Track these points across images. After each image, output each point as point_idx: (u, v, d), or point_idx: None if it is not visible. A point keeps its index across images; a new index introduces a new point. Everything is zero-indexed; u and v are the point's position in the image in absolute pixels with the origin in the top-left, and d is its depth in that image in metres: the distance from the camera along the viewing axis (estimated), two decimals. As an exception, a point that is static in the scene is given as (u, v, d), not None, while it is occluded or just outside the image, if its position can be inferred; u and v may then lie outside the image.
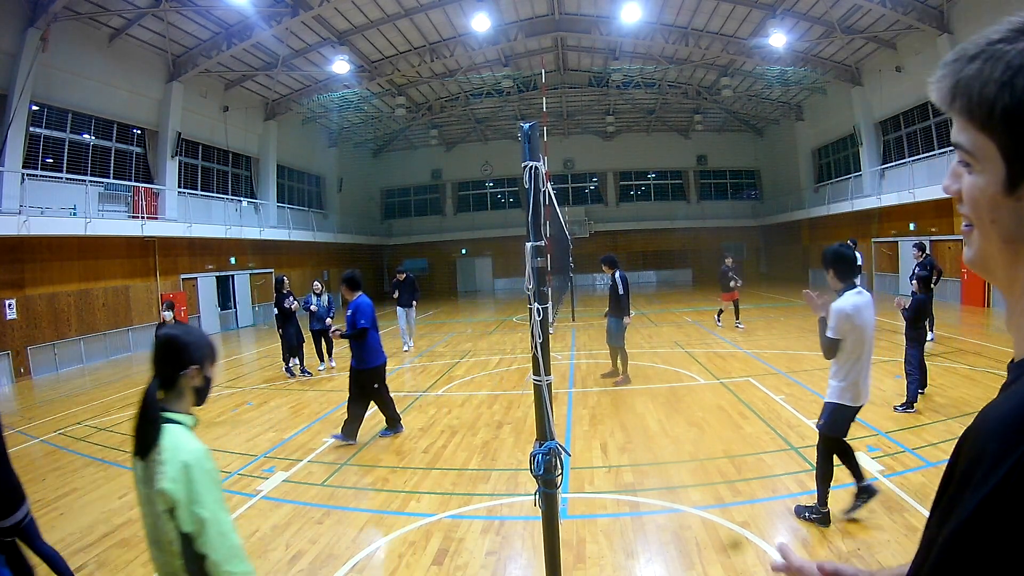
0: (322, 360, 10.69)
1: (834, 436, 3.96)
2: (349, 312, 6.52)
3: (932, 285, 10.43)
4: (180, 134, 16.95)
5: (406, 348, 12.34)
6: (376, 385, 6.30)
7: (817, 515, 4.01)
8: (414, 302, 12.30)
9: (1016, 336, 0.66)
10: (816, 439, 4.04)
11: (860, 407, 3.94)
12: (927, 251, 11.79)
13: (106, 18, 14.28)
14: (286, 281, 10.59)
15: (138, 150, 16.40)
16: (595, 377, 8.93)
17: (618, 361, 8.54)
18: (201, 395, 1.88)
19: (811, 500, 4.06)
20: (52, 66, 13.05)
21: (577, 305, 17.91)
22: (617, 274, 8.31)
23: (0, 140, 11.89)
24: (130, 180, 15.86)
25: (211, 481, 1.72)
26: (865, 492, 4.02)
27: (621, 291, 8.20)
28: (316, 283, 10.38)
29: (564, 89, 24.99)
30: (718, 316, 14.11)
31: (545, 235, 6.49)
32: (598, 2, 18.43)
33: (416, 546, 3.96)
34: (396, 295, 12.23)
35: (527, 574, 3.58)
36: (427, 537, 4.06)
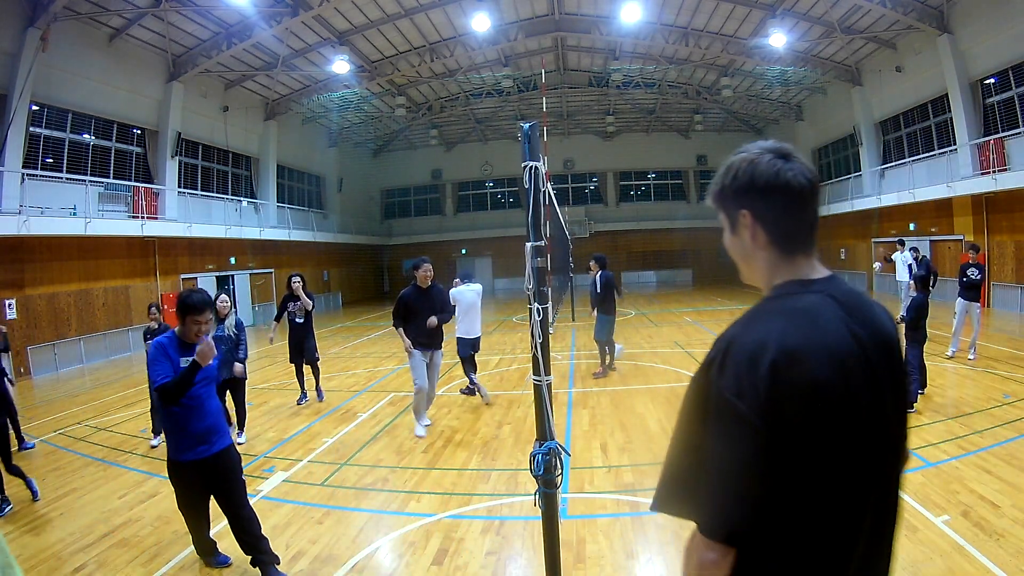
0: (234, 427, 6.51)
1: (463, 356, 7.57)
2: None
3: (931, 287, 10.48)
4: (180, 134, 16.96)
5: (421, 433, 6.45)
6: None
7: (467, 391, 7.88)
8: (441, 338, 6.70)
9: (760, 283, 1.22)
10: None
11: (473, 339, 7.57)
12: (921, 255, 11.83)
13: (106, 18, 14.27)
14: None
15: (138, 150, 16.40)
16: (595, 377, 8.93)
17: (605, 356, 9.10)
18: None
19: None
20: (52, 66, 13.04)
21: (577, 305, 17.91)
22: (600, 274, 8.89)
23: (0, 140, 11.89)
24: (130, 180, 15.85)
25: None
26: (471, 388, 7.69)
27: (599, 290, 8.84)
28: (223, 297, 6.23)
29: (564, 89, 24.99)
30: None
31: (545, 235, 6.49)
32: (598, 2, 18.43)
33: (416, 546, 3.96)
34: (403, 318, 6.38)
35: (527, 574, 3.58)
36: (427, 537, 4.06)
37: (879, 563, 1.08)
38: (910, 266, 11.79)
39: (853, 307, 1.08)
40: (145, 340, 6.74)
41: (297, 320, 8.11)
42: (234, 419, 6.48)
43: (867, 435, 1.01)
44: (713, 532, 1.00)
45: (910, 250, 11.87)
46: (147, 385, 6.80)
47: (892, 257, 12.38)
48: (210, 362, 3.31)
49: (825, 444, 0.97)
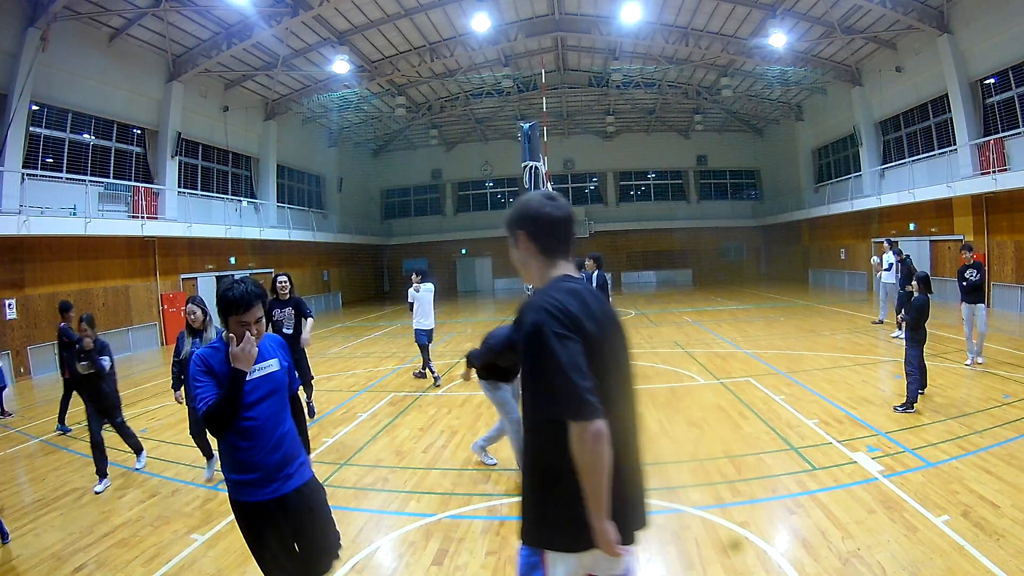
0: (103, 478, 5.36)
1: (420, 344, 9.27)
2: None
3: (911, 287, 10.43)
4: (180, 134, 16.95)
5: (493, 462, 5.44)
6: None
7: (419, 374, 9.41)
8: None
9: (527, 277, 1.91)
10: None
11: (428, 330, 9.16)
12: (904, 255, 11.74)
13: (106, 18, 14.27)
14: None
15: (138, 150, 16.40)
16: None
17: None
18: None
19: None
20: (52, 66, 13.04)
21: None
22: (597, 273, 8.93)
23: (0, 140, 11.89)
24: (130, 180, 15.85)
25: None
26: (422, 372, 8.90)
27: (596, 288, 8.61)
28: (191, 308, 4.97)
29: (564, 89, 24.99)
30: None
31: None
32: (598, 2, 18.44)
33: (416, 546, 3.96)
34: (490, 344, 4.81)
35: (527, 574, 3.58)
36: (427, 537, 4.06)
37: (628, 412, 1.88)
38: (891, 266, 11.77)
39: (596, 294, 1.85)
40: (78, 361, 5.42)
41: (285, 331, 6.65)
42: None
43: (611, 353, 1.79)
44: (592, 411, 1.60)
45: (894, 252, 11.87)
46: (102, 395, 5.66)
47: (881, 258, 12.38)
48: (252, 367, 2.50)
49: (595, 356, 1.69)
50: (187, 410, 5.32)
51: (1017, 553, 3.35)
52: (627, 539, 1.77)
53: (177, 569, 3.77)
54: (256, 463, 2.51)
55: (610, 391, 1.71)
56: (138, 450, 5.83)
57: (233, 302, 2.49)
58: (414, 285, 9.05)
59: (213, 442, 5.18)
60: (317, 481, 2.74)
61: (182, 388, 5.22)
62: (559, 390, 1.62)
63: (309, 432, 6.92)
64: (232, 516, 4.07)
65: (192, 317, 4.93)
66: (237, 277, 2.61)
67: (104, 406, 5.48)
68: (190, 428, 5.41)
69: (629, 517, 1.79)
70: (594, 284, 8.88)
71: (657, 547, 3.77)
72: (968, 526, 3.69)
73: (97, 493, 5.17)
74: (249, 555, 3.57)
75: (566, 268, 1.84)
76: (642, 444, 1.91)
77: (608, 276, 9.31)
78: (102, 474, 5.30)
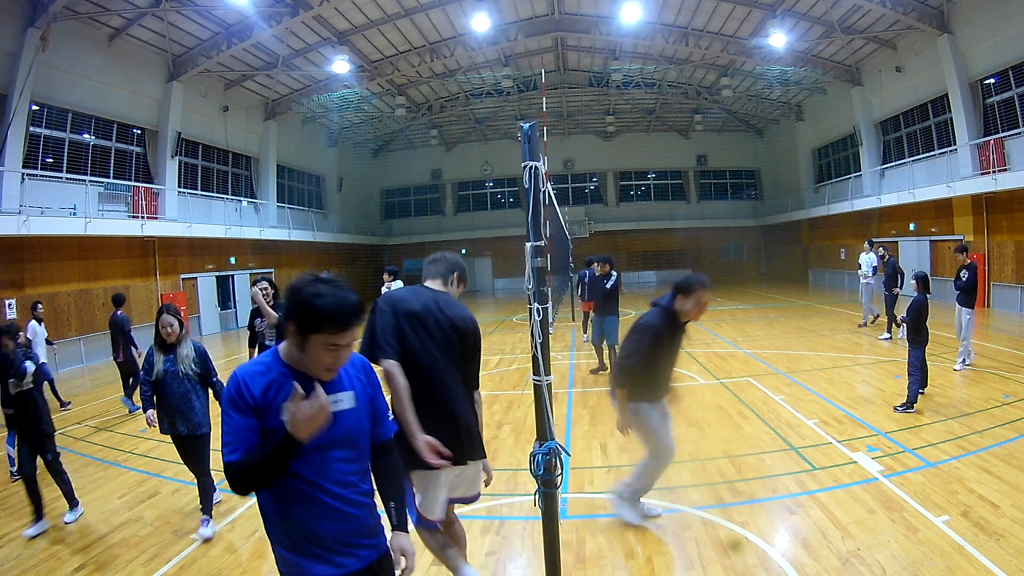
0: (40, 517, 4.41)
1: None
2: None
3: (897, 288, 10.43)
4: (180, 134, 16.96)
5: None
6: None
7: None
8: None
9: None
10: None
11: None
12: (887, 256, 11.66)
13: (106, 18, 14.28)
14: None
15: (138, 150, 16.40)
16: (595, 377, 8.93)
17: (606, 357, 8.90)
18: None
19: None
20: (52, 66, 13.04)
21: (577, 305, 17.86)
22: (612, 273, 8.85)
23: (0, 140, 11.89)
24: (130, 180, 15.86)
25: None
26: None
27: (609, 288, 8.75)
28: (166, 317, 4.23)
29: (564, 89, 25.00)
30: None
31: (545, 235, 6.49)
32: (598, 2, 18.44)
33: (416, 546, 3.94)
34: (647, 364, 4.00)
35: (527, 574, 3.58)
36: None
37: (451, 371, 2.79)
38: (874, 268, 11.76)
39: (443, 299, 2.84)
40: (6, 380, 4.38)
41: (268, 342, 5.78)
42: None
43: (427, 330, 2.73)
44: (383, 354, 2.60)
45: (876, 252, 11.87)
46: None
47: (859, 259, 12.36)
48: (312, 433, 1.59)
49: (415, 328, 2.71)
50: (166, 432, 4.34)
51: (1017, 553, 3.35)
52: (459, 460, 2.67)
53: (177, 569, 3.76)
54: (304, 531, 1.69)
55: (430, 353, 2.70)
56: (72, 501, 4.61)
57: (325, 316, 1.56)
58: (386, 284, 9.56)
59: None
60: (389, 558, 1.91)
61: (153, 410, 4.27)
62: (371, 340, 2.64)
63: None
64: (233, 516, 4.04)
65: (168, 330, 4.17)
66: (321, 274, 1.66)
67: (35, 433, 4.46)
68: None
69: (464, 447, 2.75)
70: (608, 286, 8.79)
71: (657, 547, 3.77)
72: (968, 526, 3.69)
73: (29, 537, 4.25)
74: (249, 556, 3.55)
75: (428, 283, 2.93)
76: (465, 397, 2.84)
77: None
78: (38, 516, 4.37)
